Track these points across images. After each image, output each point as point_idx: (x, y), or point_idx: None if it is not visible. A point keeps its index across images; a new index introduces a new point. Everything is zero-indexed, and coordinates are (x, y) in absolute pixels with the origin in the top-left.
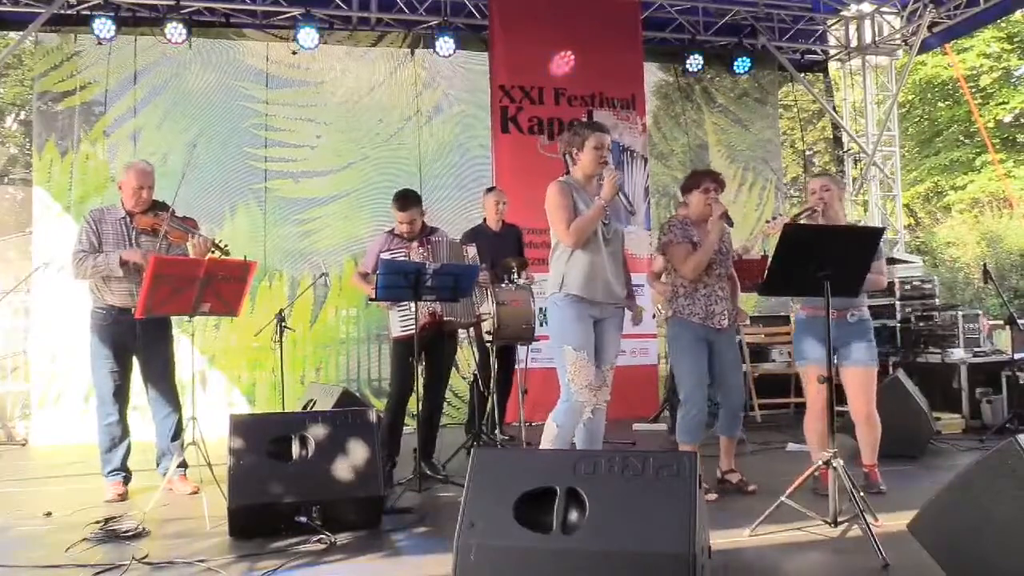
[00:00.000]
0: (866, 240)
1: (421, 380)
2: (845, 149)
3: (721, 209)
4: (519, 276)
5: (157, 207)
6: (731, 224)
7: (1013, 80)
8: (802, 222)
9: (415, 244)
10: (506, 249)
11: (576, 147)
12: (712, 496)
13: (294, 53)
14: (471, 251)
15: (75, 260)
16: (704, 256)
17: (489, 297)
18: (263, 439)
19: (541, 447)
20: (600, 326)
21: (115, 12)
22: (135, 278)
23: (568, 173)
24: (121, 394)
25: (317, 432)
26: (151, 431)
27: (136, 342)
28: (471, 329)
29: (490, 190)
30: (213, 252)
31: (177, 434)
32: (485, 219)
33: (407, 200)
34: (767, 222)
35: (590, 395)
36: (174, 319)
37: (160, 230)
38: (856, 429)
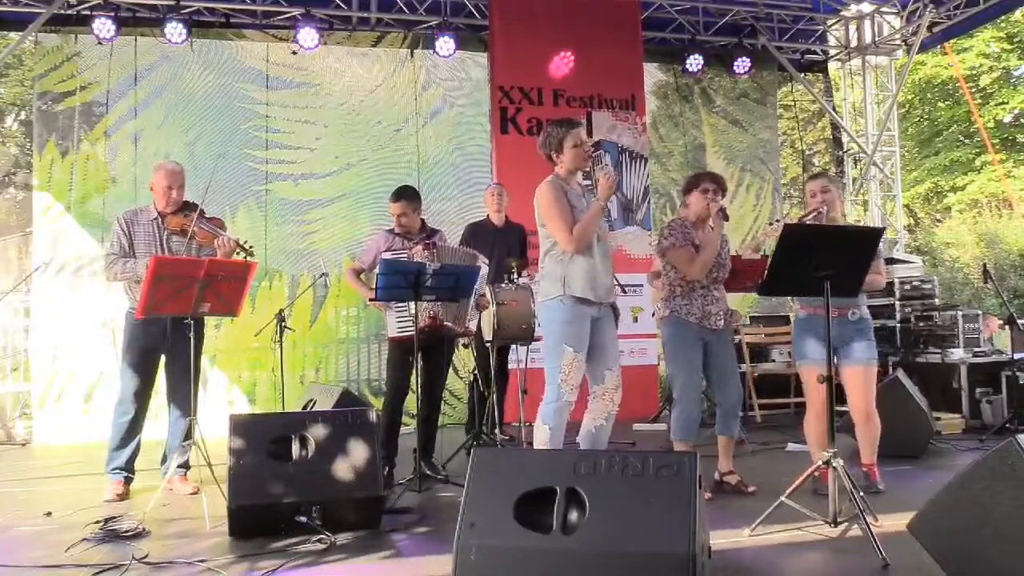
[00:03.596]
0: (866, 240)
1: (419, 380)
2: (845, 149)
3: (718, 206)
4: (519, 276)
5: (187, 208)
6: (726, 219)
7: (1013, 80)
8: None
9: (419, 247)
10: (509, 246)
11: (554, 149)
12: (707, 495)
13: (294, 53)
14: (483, 268)
15: (106, 262)
16: (709, 255)
17: (489, 296)
18: (263, 439)
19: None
20: (598, 325)
21: (115, 12)
22: None
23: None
24: (141, 396)
25: (317, 432)
26: (153, 431)
27: (165, 342)
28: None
29: (489, 185)
30: (238, 252)
31: (186, 437)
32: (488, 216)
33: (400, 193)
34: (769, 224)
35: (600, 399)
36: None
37: (188, 230)
38: (856, 428)
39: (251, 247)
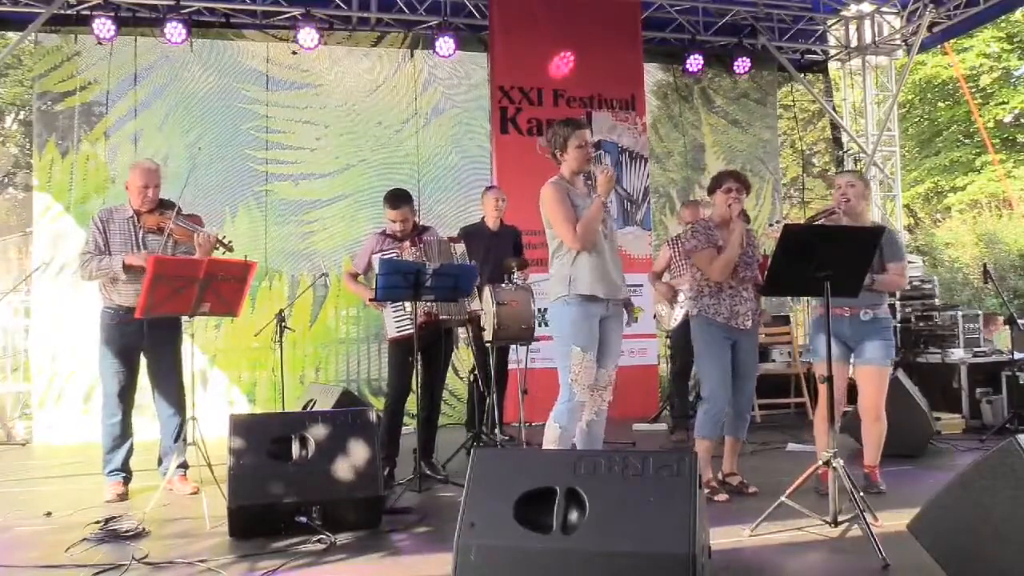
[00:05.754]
0: (866, 240)
1: (419, 380)
2: (845, 149)
3: (739, 208)
4: (519, 276)
5: (164, 206)
6: (748, 221)
7: (1013, 80)
8: (821, 223)
9: (407, 244)
10: (503, 249)
11: (559, 148)
12: (723, 497)
13: (294, 53)
14: (459, 248)
15: (81, 262)
16: (730, 256)
17: (488, 296)
18: (263, 439)
19: (543, 448)
20: (605, 324)
21: (115, 12)
22: (142, 279)
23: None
24: (126, 395)
25: (317, 432)
26: (153, 431)
27: (143, 341)
28: (469, 329)
29: (489, 188)
30: (217, 249)
31: (180, 434)
32: (484, 218)
33: (398, 199)
34: (769, 226)
35: (590, 395)
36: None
37: (165, 229)
38: (863, 427)
39: (230, 242)
